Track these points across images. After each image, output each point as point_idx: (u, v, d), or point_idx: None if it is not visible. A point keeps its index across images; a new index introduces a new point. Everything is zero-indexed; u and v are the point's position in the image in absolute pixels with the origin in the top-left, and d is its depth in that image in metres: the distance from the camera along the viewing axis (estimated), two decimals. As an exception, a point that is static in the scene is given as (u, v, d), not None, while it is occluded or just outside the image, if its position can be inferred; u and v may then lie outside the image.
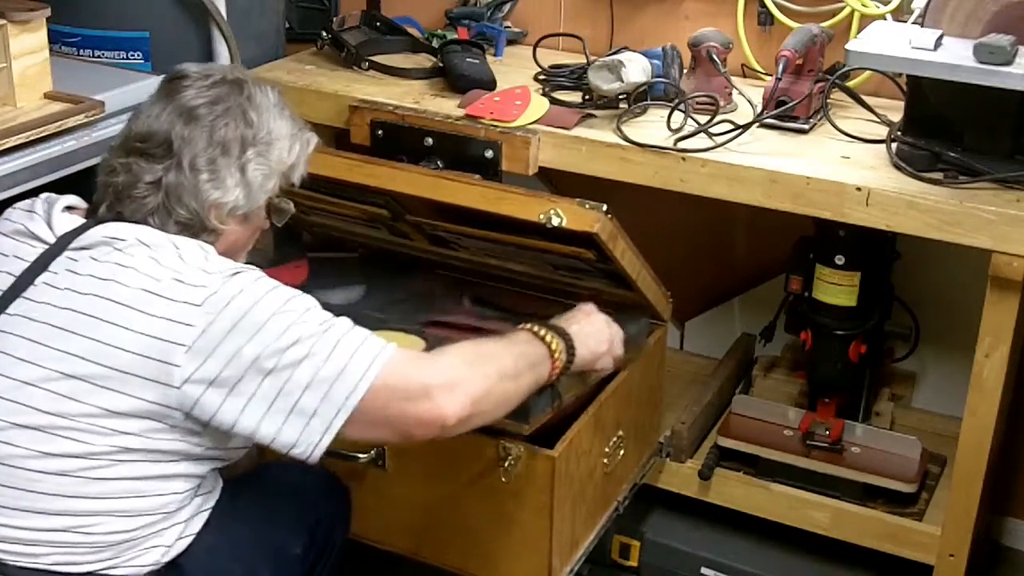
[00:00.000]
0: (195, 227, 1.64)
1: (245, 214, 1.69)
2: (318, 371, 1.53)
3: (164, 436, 1.56)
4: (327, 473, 1.91)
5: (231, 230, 1.68)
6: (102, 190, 1.66)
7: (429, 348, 1.90)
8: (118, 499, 1.56)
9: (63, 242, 1.61)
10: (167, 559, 1.63)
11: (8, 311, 1.58)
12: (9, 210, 1.71)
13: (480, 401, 1.59)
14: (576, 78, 2.37)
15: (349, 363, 1.53)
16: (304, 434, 1.54)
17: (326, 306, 1.60)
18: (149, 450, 1.55)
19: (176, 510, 1.63)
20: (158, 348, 1.51)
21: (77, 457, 1.53)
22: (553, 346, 1.75)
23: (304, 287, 1.62)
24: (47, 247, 1.61)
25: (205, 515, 1.68)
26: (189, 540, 1.65)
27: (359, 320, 1.61)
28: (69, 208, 1.68)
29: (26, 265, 1.60)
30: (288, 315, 1.54)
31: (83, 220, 1.65)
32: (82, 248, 1.59)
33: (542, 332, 1.76)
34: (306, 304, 1.57)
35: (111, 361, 1.52)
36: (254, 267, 1.61)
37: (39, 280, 1.58)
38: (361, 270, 2.38)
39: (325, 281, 2.24)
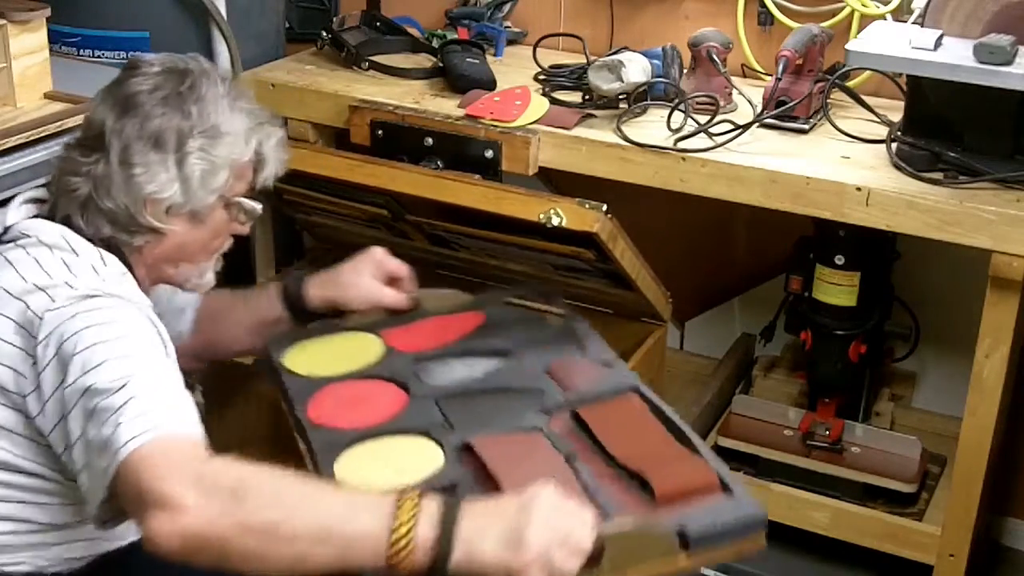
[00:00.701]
0: (127, 224, 1.56)
1: (191, 212, 1.59)
2: (100, 429, 1.35)
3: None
4: None
5: (175, 231, 1.60)
6: (52, 183, 1.62)
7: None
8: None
9: (5, 232, 1.58)
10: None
11: None
12: None
13: (205, 547, 1.26)
14: (576, 78, 2.37)
15: (117, 431, 1.33)
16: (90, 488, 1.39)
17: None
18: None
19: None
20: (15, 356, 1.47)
21: None
22: (400, 532, 1.24)
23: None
24: None
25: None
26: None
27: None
28: (32, 200, 1.64)
29: None
30: (98, 353, 1.40)
31: (37, 212, 1.61)
32: (11, 240, 1.56)
33: (406, 506, 1.26)
34: (126, 349, 1.42)
35: None
36: (117, 297, 1.48)
37: None
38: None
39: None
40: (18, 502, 1.52)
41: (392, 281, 1.88)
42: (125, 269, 1.58)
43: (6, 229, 1.60)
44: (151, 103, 1.56)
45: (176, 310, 1.86)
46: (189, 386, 1.66)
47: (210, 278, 1.72)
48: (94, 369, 1.40)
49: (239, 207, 1.66)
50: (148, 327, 1.49)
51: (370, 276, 1.86)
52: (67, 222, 1.58)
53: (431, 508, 1.27)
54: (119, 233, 1.57)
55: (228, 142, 1.60)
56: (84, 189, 1.56)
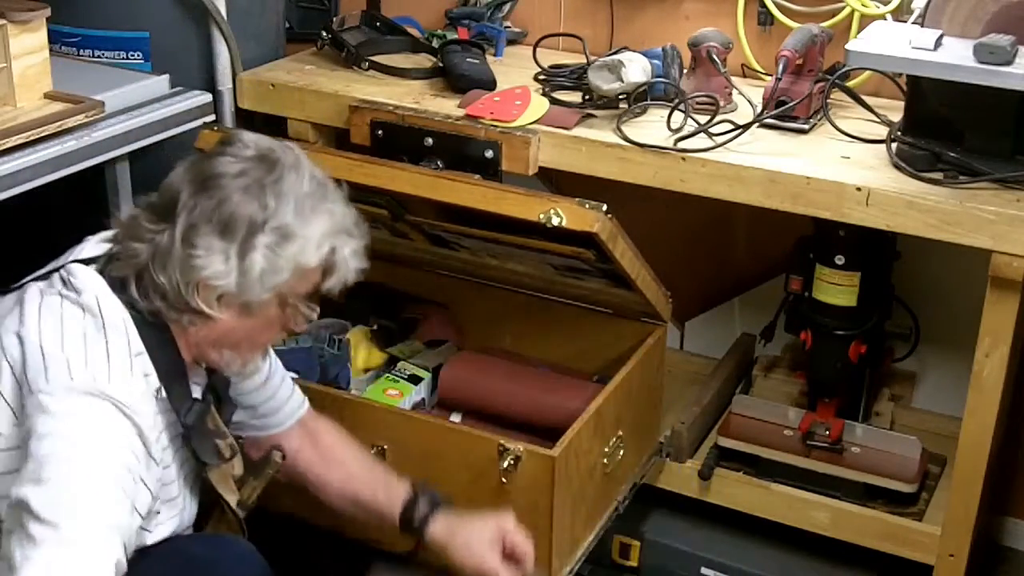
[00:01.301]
0: (176, 302, 1.52)
1: (243, 304, 1.54)
2: (12, 545, 1.38)
3: None
4: (244, 547, 1.73)
5: (224, 320, 1.55)
6: (117, 238, 1.60)
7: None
8: None
9: (64, 265, 1.59)
10: None
11: None
12: None
13: None
14: (576, 78, 2.37)
15: (21, 567, 1.35)
16: None
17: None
18: None
19: None
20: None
21: None
22: None
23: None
24: (54, 267, 1.60)
25: None
26: None
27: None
28: (108, 240, 1.63)
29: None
30: (51, 468, 1.40)
31: (102, 253, 1.61)
32: (60, 278, 1.57)
33: None
34: (79, 479, 1.41)
35: None
36: (111, 401, 1.46)
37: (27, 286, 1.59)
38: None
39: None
40: None
41: (511, 556, 1.83)
42: (142, 349, 1.54)
43: (72, 261, 1.59)
44: (231, 187, 1.51)
45: (274, 406, 1.84)
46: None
47: (254, 366, 1.70)
48: (40, 484, 1.39)
49: (295, 309, 1.61)
50: (124, 452, 1.46)
51: (491, 543, 1.82)
52: (120, 284, 1.55)
53: None
54: (168, 309, 1.54)
55: (298, 244, 1.53)
56: (143, 257, 1.53)
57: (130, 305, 1.54)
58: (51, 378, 1.46)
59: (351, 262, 1.60)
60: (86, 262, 1.59)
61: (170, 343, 1.57)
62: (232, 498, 1.74)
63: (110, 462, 1.45)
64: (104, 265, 1.58)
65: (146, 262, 1.52)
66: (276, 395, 1.85)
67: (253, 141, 1.58)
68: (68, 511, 1.39)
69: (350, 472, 1.89)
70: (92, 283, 1.55)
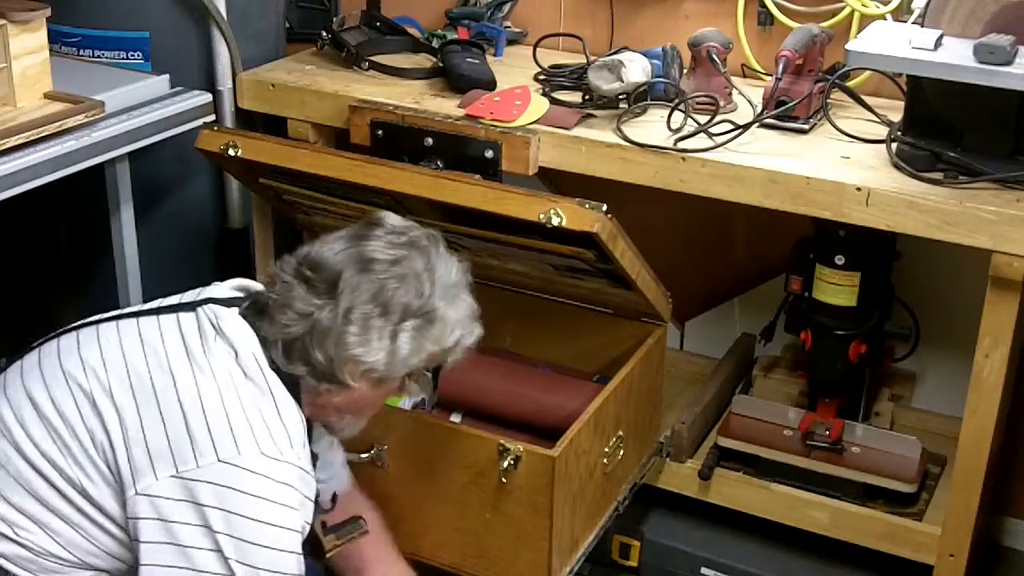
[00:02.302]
0: (322, 374, 1.60)
1: (381, 379, 1.63)
2: None
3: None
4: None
5: (359, 389, 1.63)
6: (260, 298, 1.65)
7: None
8: (54, 516, 1.57)
9: (205, 301, 1.63)
10: None
11: (112, 324, 1.63)
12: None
13: None
14: (576, 78, 2.37)
15: None
16: None
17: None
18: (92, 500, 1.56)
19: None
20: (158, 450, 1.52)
21: (51, 464, 1.55)
22: None
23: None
24: (189, 301, 1.64)
25: None
26: None
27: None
28: (242, 289, 1.69)
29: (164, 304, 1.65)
30: (246, 549, 1.51)
31: (236, 296, 1.65)
32: (205, 315, 1.60)
33: None
34: (267, 559, 1.52)
35: (127, 425, 1.53)
36: (294, 468, 1.55)
37: (160, 316, 1.62)
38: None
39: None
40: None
41: None
42: (298, 410, 1.60)
43: (206, 299, 1.64)
44: (390, 273, 1.60)
45: (329, 469, 1.88)
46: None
47: (357, 430, 1.75)
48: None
49: (416, 381, 1.71)
50: (296, 521, 1.55)
51: None
52: (268, 345, 1.60)
53: None
54: (309, 376, 1.60)
55: (439, 329, 1.64)
56: (298, 329, 1.59)
57: (272, 361, 1.60)
58: (241, 449, 1.52)
59: (469, 346, 1.71)
60: (225, 302, 1.64)
61: (298, 401, 1.63)
62: (323, 543, 1.81)
63: (294, 536, 1.55)
64: (246, 314, 1.63)
65: (301, 333, 1.59)
66: (335, 461, 1.91)
67: (404, 227, 1.68)
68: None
69: (380, 553, 1.96)
70: (242, 336, 1.59)
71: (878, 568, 2.28)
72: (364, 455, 2.01)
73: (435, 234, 1.70)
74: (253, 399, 1.55)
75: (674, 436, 2.34)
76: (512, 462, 1.89)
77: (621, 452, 2.13)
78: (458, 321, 1.66)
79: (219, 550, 1.50)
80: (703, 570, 2.36)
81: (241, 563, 1.50)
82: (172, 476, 1.50)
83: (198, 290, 1.70)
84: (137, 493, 1.51)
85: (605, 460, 2.07)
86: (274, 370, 1.59)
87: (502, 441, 1.90)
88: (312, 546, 1.76)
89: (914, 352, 2.45)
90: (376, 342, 1.59)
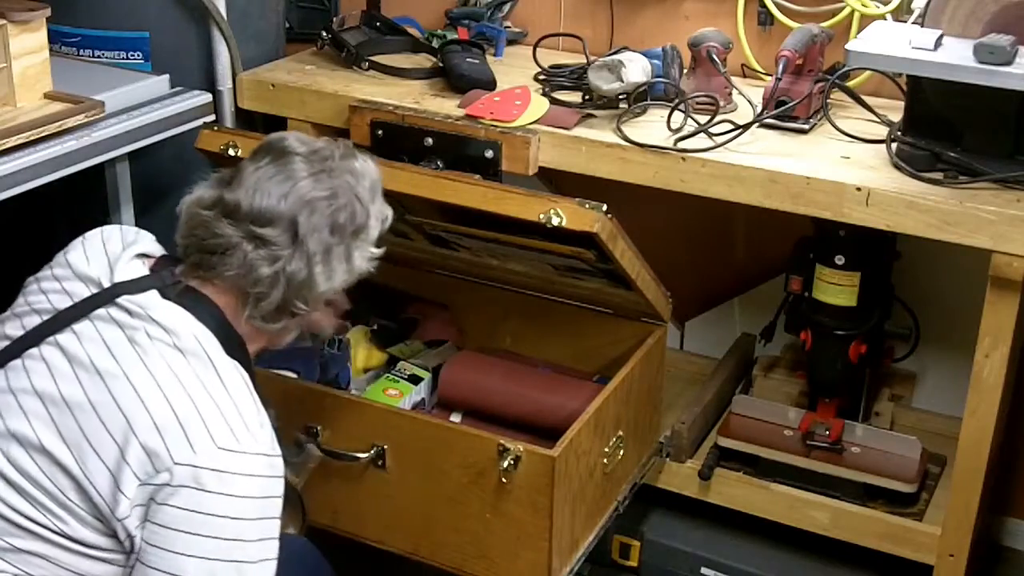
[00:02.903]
0: (282, 314, 1.61)
1: (329, 299, 1.67)
2: None
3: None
4: (311, 549, 1.86)
5: (316, 314, 1.67)
6: (191, 249, 1.60)
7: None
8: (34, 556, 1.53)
9: (115, 292, 1.57)
10: None
11: (32, 352, 1.56)
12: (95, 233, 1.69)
13: None
14: (576, 78, 2.37)
15: None
16: None
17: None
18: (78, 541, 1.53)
19: None
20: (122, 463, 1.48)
21: (27, 518, 1.51)
22: None
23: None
24: (97, 291, 1.58)
25: None
26: None
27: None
28: (142, 255, 1.64)
29: (70, 303, 1.58)
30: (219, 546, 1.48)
31: (147, 272, 1.60)
32: (129, 312, 1.55)
33: None
34: (242, 552, 1.49)
35: (82, 457, 1.49)
36: (262, 457, 1.51)
37: (74, 326, 1.56)
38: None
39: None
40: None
41: None
42: (249, 383, 1.57)
43: (116, 288, 1.57)
44: (333, 206, 1.60)
45: None
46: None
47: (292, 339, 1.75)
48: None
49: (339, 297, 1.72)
50: (265, 508, 1.52)
51: None
52: (212, 313, 1.57)
53: None
54: (270, 322, 1.61)
55: (370, 233, 1.67)
56: (277, 293, 1.58)
57: (215, 325, 1.57)
58: (196, 448, 1.47)
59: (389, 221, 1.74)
60: (138, 286, 1.58)
61: (244, 350, 1.61)
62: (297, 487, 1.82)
63: (271, 520, 1.53)
64: (176, 295, 1.58)
65: (281, 295, 1.58)
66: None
67: (314, 152, 1.65)
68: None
69: None
70: (180, 320, 1.55)
71: (878, 568, 2.28)
72: (364, 455, 2.00)
73: (343, 142, 1.71)
74: (197, 385, 1.50)
75: (674, 436, 2.34)
76: (512, 462, 1.89)
77: (621, 452, 2.13)
78: (378, 218, 1.69)
79: (188, 553, 1.47)
80: (703, 570, 2.36)
81: (203, 559, 1.47)
82: (139, 486, 1.47)
83: (94, 266, 1.61)
84: (120, 520, 1.48)
85: (605, 460, 2.07)
86: (224, 346, 1.55)
87: (502, 441, 1.90)
88: (289, 498, 1.75)
89: (914, 352, 2.45)
90: (339, 269, 1.62)
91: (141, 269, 1.61)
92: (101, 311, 1.56)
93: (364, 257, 1.66)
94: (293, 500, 1.76)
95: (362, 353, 2.36)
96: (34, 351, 1.56)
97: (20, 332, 1.58)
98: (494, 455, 1.90)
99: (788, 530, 2.30)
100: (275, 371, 2.08)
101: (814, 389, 2.37)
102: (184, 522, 1.46)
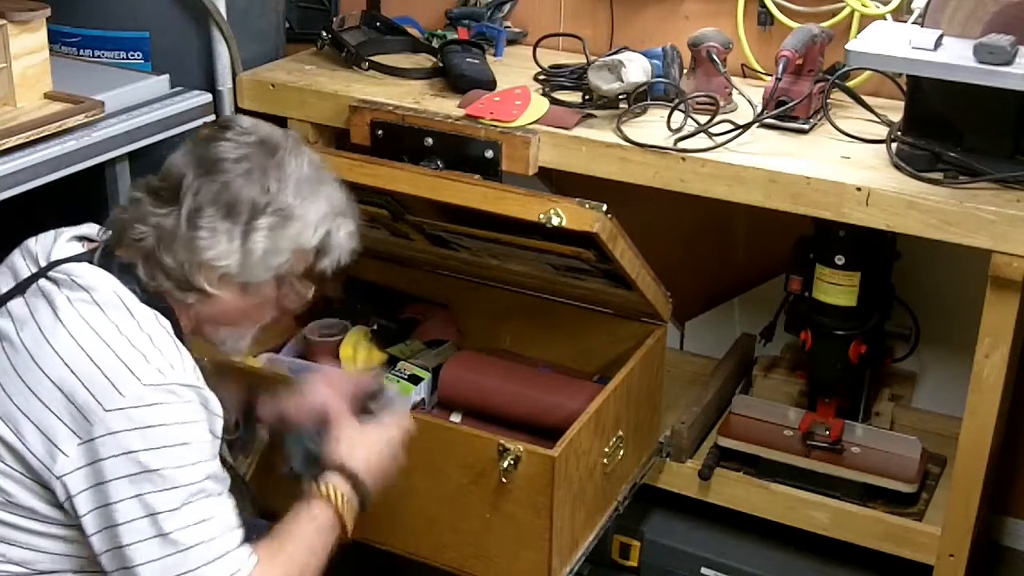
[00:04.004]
0: (179, 282, 1.55)
1: (243, 284, 1.58)
2: (164, 557, 1.47)
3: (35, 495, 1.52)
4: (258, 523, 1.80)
5: (224, 298, 1.58)
6: (112, 222, 1.61)
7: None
8: None
9: (49, 267, 1.57)
10: None
11: None
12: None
13: None
14: (576, 78, 2.37)
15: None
16: None
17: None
18: (17, 504, 1.53)
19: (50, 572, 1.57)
20: (53, 423, 1.48)
21: None
22: (344, 512, 1.67)
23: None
24: (35, 270, 1.58)
25: None
26: None
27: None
28: (80, 238, 1.64)
29: (11, 285, 1.59)
30: (171, 476, 1.47)
31: (83, 250, 1.60)
32: (55, 281, 1.55)
33: (335, 497, 1.68)
34: (194, 476, 1.49)
35: (16, 426, 1.49)
36: (184, 387, 1.50)
37: (9, 304, 1.57)
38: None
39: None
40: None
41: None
42: (172, 331, 1.56)
43: (49, 265, 1.58)
44: (234, 172, 1.55)
45: None
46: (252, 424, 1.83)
47: (246, 344, 1.71)
48: (164, 493, 1.47)
49: (291, 287, 1.65)
50: (204, 432, 1.52)
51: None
52: (127, 270, 1.56)
53: (341, 486, 1.68)
54: (173, 289, 1.56)
55: (298, 226, 1.58)
56: (150, 240, 1.55)
57: (141, 290, 1.56)
58: (123, 392, 1.47)
59: (346, 243, 1.65)
60: (72, 260, 1.59)
61: (176, 323, 1.60)
62: (241, 470, 1.81)
63: (203, 449, 1.52)
64: (99, 259, 1.59)
65: (153, 245, 1.55)
66: None
67: (252, 126, 1.63)
68: (196, 513, 1.49)
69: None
70: (99, 278, 1.55)
71: (878, 568, 2.28)
72: (364, 455, 2.00)
73: (291, 132, 1.66)
74: (116, 334, 1.50)
75: (674, 436, 2.34)
76: (512, 462, 1.89)
77: (621, 452, 2.13)
78: (321, 218, 1.60)
79: (139, 495, 1.46)
80: (703, 570, 2.36)
81: (163, 490, 1.47)
82: (78, 445, 1.47)
83: (28, 252, 1.63)
84: (59, 477, 1.48)
85: (605, 460, 2.07)
86: (143, 300, 1.55)
87: (502, 441, 1.90)
88: (233, 479, 1.73)
89: (914, 352, 2.45)
90: (226, 244, 1.54)
91: (78, 248, 1.62)
92: (32, 286, 1.57)
93: (271, 247, 1.56)
94: (239, 485, 1.75)
95: (362, 353, 2.36)
96: None
97: None
98: (494, 455, 1.90)
99: (788, 530, 2.30)
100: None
101: (814, 389, 2.37)
102: (133, 465, 1.46)
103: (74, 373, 1.48)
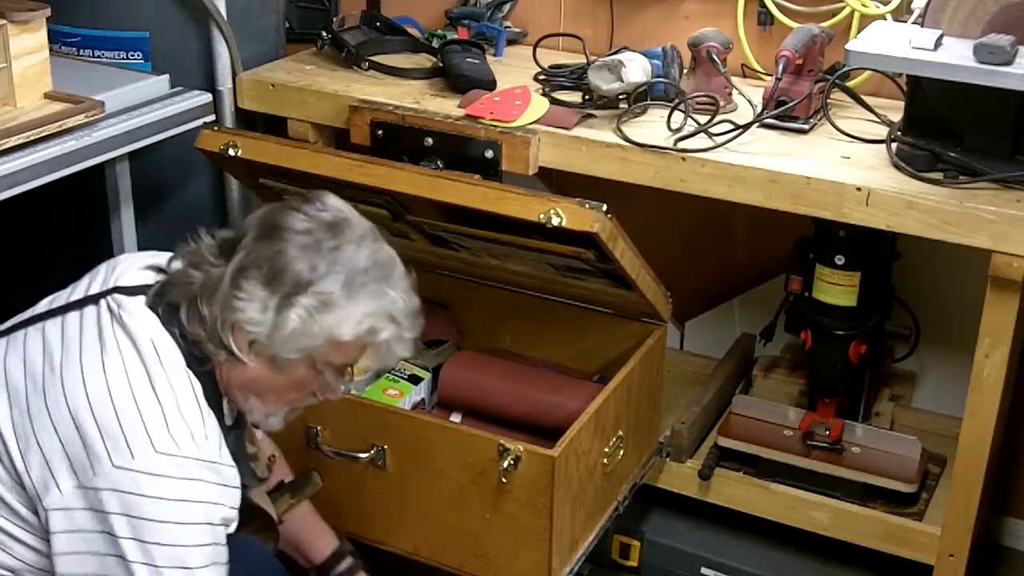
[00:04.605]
0: (212, 336, 1.54)
1: (272, 357, 1.55)
2: None
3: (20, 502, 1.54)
4: (261, 548, 1.80)
5: (254, 368, 1.56)
6: (177, 256, 1.62)
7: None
8: None
9: (109, 292, 1.59)
10: None
11: (28, 330, 1.60)
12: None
13: None
14: (576, 78, 2.37)
15: None
16: None
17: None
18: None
19: None
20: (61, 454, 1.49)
21: None
22: None
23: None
24: (99, 290, 1.60)
25: None
26: None
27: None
28: (154, 267, 1.64)
29: (80, 296, 1.61)
30: (153, 551, 1.47)
31: (148, 283, 1.61)
32: (109, 309, 1.57)
33: None
34: (178, 559, 1.49)
35: (26, 447, 1.51)
36: (196, 461, 1.50)
37: (66, 314, 1.59)
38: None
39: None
40: None
41: None
42: (202, 393, 1.56)
43: (111, 290, 1.59)
44: (291, 242, 1.53)
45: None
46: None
47: (275, 423, 1.69)
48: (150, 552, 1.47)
49: (323, 376, 1.62)
50: (206, 514, 1.51)
51: None
52: (173, 312, 1.56)
53: None
54: (207, 342, 1.55)
55: (336, 316, 1.54)
56: (196, 286, 1.55)
57: (181, 337, 1.56)
58: (135, 453, 1.48)
59: (394, 348, 1.61)
60: (132, 291, 1.60)
61: (211, 374, 1.59)
62: (272, 512, 1.80)
63: (204, 535, 1.52)
64: (152, 296, 1.59)
65: (197, 292, 1.55)
66: None
67: (335, 206, 1.61)
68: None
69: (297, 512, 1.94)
70: (143, 323, 1.56)
71: (878, 568, 2.28)
72: (364, 455, 2.01)
73: (372, 225, 1.63)
74: (147, 391, 1.50)
75: (674, 436, 2.34)
76: (512, 462, 1.89)
77: (621, 452, 2.13)
78: (365, 315, 1.55)
79: (122, 555, 1.47)
80: (703, 570, 2.36)
81: (144, 564, 1.47)
82: (75, 487, 1.48)
83: (110, 271, 1.64)
84: (47, 508, 1.49)
85: (605, 460, 2.07)
86: (182, 350, 1.55)
87: (502, 441, 1.90)
88: (265, 522, 1.76)
89: (914, 352, 2.45)
90: (259, 311, 1.52)
91: (147, 278, 1.62)
92: (90, 306, 1.58)
93: (302, 329, 1.52)
94: (267, 524, 1.77)
95: (362, 353, 2.36)
96: (28, 329, 1.60)
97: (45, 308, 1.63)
98: (494, 455, 1.90)
99: (788, 530, 2.30)
100: None
101: (814, 389, 2.37)
102: (123, 527, 1.47)
103: (94, 416, 1.49)
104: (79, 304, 1.60)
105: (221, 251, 1.57)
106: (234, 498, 1.55)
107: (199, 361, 1.56)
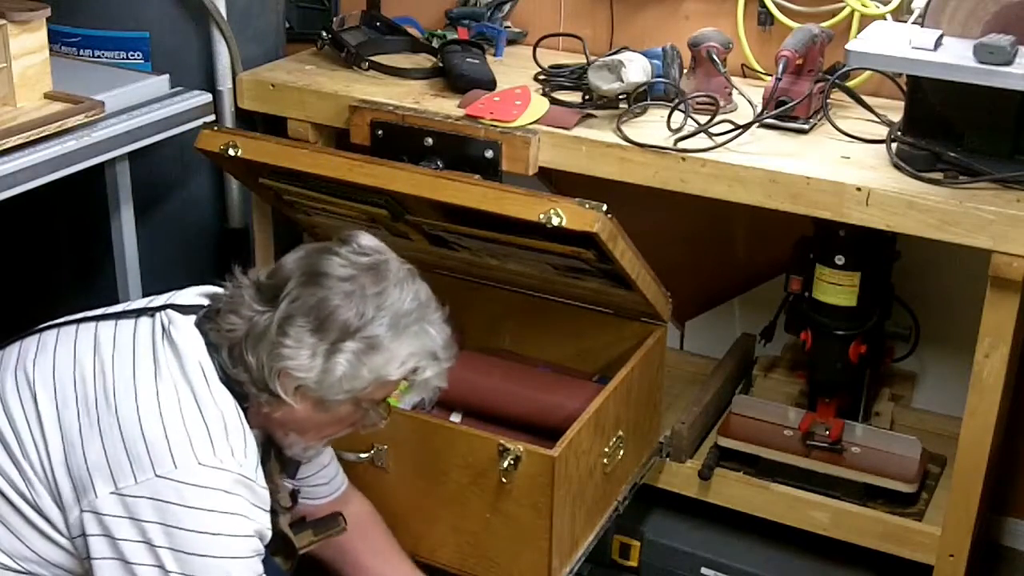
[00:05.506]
0: (257, 381, 1.57)
1: (318, 400, 1.59)
2: None
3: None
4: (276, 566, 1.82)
5: (299, 409, 1.59)
6: (218, 298, 1.64)
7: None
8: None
9: (164, 307, 1.62)
10: None
11: (81, 327, 1.62)
12: None
13: None
14: (576, 78, 2.37)
15: None
16: None
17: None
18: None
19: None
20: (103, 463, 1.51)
21: (3, 478, 1.56)
22: None
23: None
24: (155, 305, 1.63)
25: None
26: None
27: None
28: (207, 295, 1.67)
29: (138, 306, 1.64)
30: (187, 560, 1.49)
31: (200, 304, 1.64)
32: (161, 323, 1.60)
33: None
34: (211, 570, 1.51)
35: (71, 449, 1.53)
36: (236, 477, 1.53)
37: (119, 320, 1.61)
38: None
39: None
40: None
41: None
42: (243, 416, 1.58)
43: (166, 305, 1.63)
44: (336, 289, 1.56)
45: (319, 483, 1.91)
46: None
47: (312, 453, 1.75)
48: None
49: (367, 414, 1.67)
50: (243, 527, 1.53)
51: None
52: (215, 349, 1.59)
53: None
54: (250, 385, 1.58)
55: (383, 358, 1.58)
56: (239, 333, 1.57)
57: (220, 368, 1.59)
58: (178, 463, 1.50)
59: (431, 384, 1.66)
60: (185, 309, 1.63)
61: (244, 408, 1.61)
62: (293, 539, 1.81)
63: (241, 552, 1.54)
64: (202, 321, 1.62)
65: (240, 338, 1.57)
66: (322, 472, 1.92)
67: (371, 247, 1.63)
68: None
69: (375, 561, 1.97)
70: (191, 343, 1.58)
71: (878, 568, 2.28)
72: (364, 455, 2.01)
73: (407, 264, 1.66)
74: (193, 408, 1.53)
75: (674, 436, 2.34)
76: (512, 462, 1.89)
77: (621, 452, 2.13)
78: (410, 355, 1.60)
79: (160, 565, 1.49)
80: (703, 570, 2.36)
81: (183, 575, 1.49)
82: (112, 493, 1.49)
83: (169, 294, 1.68)
84: (82, 511, 1.51)
85: (605, 460, 2.07)
86: (222, 379, 1.58)
87: (502, 441, 1.90)
88: (284, 545, 1.77)
89: (914, 352, 2.45)
90: (308, 358, 1.55)
91: (201, 301, 1.66)
92: (144, 317, 1.62)
93: (351, 372, 1.56)
94: (287, 547, 1.79)
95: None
96: (75, 327, 1.63)
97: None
98: (494, 455, 1.90)
99: (788, 530, 2.30)
100: None
101: (814, 389, 2.37)
102: (159, 536, 1.49)
103: (141, 426, 1.51)
104: (135, 313, 1.63)
105: (262, 297, 1.59)
106: (267, 518, 1.58)
107: (239, 397, 1.59)
